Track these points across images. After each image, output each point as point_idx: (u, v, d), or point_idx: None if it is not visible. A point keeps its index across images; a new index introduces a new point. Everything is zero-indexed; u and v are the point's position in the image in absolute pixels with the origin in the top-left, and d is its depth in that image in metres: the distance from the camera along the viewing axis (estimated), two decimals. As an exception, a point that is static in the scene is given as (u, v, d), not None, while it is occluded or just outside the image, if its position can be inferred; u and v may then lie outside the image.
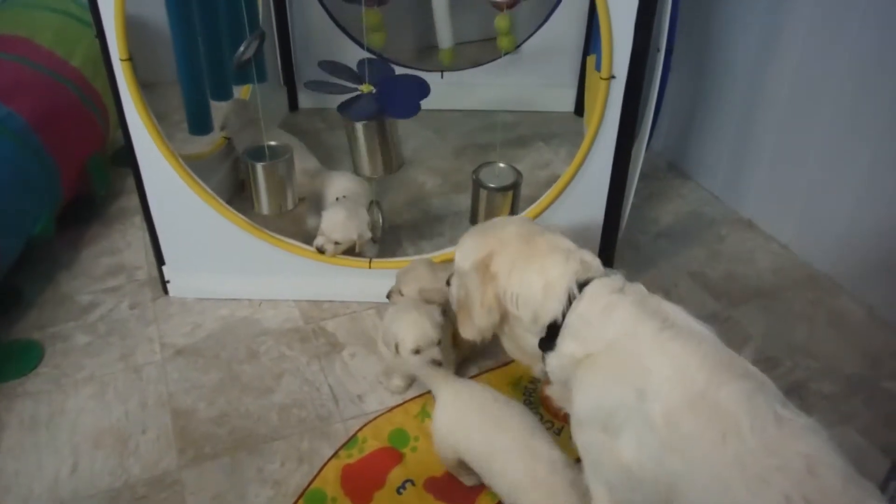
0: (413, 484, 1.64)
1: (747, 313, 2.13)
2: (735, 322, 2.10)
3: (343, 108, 1.97)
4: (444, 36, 3.21)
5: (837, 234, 2.20)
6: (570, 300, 1.32)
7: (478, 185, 2.05)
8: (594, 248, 2.03)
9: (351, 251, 2.08)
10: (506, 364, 1.94)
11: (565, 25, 2.99)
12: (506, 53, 2.97)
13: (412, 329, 1.68)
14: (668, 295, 1.34)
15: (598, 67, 1.84)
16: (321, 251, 2.03)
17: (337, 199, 2.24)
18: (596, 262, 1.39)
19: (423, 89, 1.94)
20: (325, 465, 1.69)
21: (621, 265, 2.24)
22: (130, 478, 1.67)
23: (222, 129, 2.50)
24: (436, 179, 2.73)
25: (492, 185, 2.02)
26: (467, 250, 1.49)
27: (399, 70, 2.11)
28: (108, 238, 2.43)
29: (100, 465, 1.70)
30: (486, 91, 3.08)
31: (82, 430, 1.78)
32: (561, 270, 1.35)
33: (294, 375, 1.92)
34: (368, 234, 2.12)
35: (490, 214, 2.02)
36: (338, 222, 2.04)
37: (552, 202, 1.98)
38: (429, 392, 1.83)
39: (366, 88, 1.99)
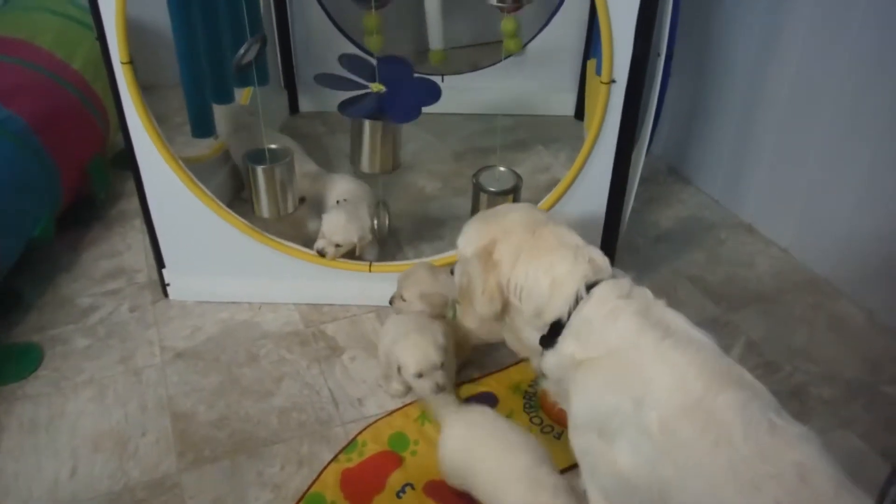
0: (413, 488, 1.64)
1: (747, 317, 2.13)
2: (735, 326, 2.10)
3: (343, 105, 1.97)
4: (435, 37, 3.22)
5: (837, 238, 2.20)
6: (576, 300, 1.31)
7: (478, 188, 2.05)
8: (594, 251, 2.02)
9: (351, 254, 2.08)
10: (506, 367, 1.94)
11: (565, 29, 2.99)
12: (507, 56, 2.97)
13: (414, 353, 1.67)
14: (668, 299, 1.33)
15: (598, 71, 1.84)
16: (322, 254, 2.04)
17: (338, 201, 2.24)
18: (605, 263, 1.38)
19: (433, 94, 1.95)
20: (325, 468, 1.69)
21: (621, 269, 2.23)
22: (130, 481, 1.66)
23: (216, 138, 2.51)
24: (436, 183, 2.73)
25: (492, 189, 2.02)
26: (470, 237, 1.49)
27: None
28: (108, 241, 2.43)
29: (99, 468, 1.69)
30: (487, 94, 3.08)
31: (82, 432, 1.78)
32: (569, 268, 1.34)
33: (294, 379, 1.92)
34: (369, 237, 2.13)
35: (490, 218, 2.02)
36: (339, 225, 2.04)
37: (552, 206, 1.98)
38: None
39: (376, 87, 1.99)
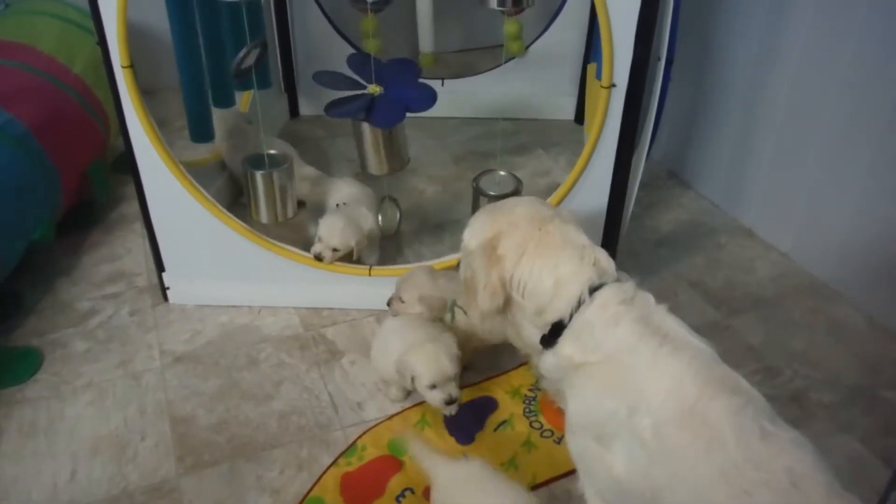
0: (413, 492, 1.64)
1: (747, 322, 2.13)
2: (735, 331, 2.09)
3: (330, 105, 1.97)
4: (426, 40, 3.23)
5: (837, 243, 2.20)
6: (579, 303, 1.31)
7: (478, 192, 2.06)
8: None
9: (348, 258, 2.08)
10: (506, 372, 1.94)
11: (566, 33, 3.00)
12: (509, 59, 2.98)
13: (429, 364, 1.66)
14: (668, 303, 1.33)
15: (598, 76, 1.85)
16: (319, 258, 2.03)
17: (337, 205, 2.24)
18: (610, 265, 1.37)
19: (427, 101, 1.95)
20: (325, 472, 1.68)
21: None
22: (129, 485, 1.66)
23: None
24: (436, 187, 2.74)
25: (492, 193, 2.02)
26: (475, 229, 1.48)
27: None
28: (108, 244, 2.43)
29: (98, 472, 1.69)
30: (487, 98, 3.08)
31: (81, 436, 1.78)
32: (574, 269, 1.34)
33: (293, 383, 1.92)
34: (365, 242, 2.13)
35: (490, 222, 2.02)
36: (336, 229, 2.04)
37: (552, 210, 1.98)
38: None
39: (373, 90, 1.99)
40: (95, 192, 2.45)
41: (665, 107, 2.04)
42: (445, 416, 1.81)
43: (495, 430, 1.79)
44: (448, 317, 1.85)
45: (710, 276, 2.32)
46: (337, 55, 2.89)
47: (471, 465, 1.53)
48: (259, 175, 2.03)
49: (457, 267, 1.63)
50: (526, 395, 1.88)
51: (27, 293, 2.19)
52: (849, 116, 2.08)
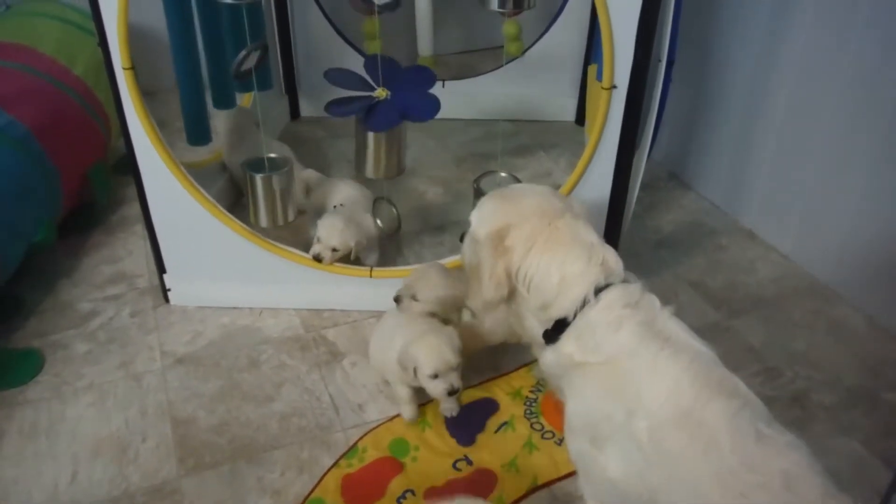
0: (413, 494, 1.64)
1: (748, 323, 2.13)
2: (735, 332, 2.09)
3: (331, 104, 1.96)
4: (425, 44, 3.23)
5: (838, 244, 2.20)
6: (583, 302, 1.31)
7: (479, 194, 2.05)
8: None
9: (347, 259, 2.08)
10: (507, 373, 1.94)
11: (566, 35, 3.00)
12: (509, 60, 2.98)
13: (430, 354, 1.66)
14: (673, 307, 1.32)
15: (599, 77, 1.85)
16: (318, 259, 2.03)
17: (335, 206, 2.24)
18: (618, 266, 1.36)
19: (428, 110, 1.95)
20: (326, 474, 1.68)
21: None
22: (130, 486, 1.66)
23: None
24: (436, 188, 2.74)
25: (493, 195, 2.02)
26: (484, 216, 1.46)
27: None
28: (109, 246, 2.43)
29: (99, 473, 1.69)
30: (487, 100, 3.08)
31: (82, 438, 1.78)
32: (581, 269, 1.33)
33: (294, 384, 1.92)
34: (365, 242, 2.13)
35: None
36: (335, 229, 2.04)
37: (553, 211, 1.98)
38: (430, 402, 1.83)
39: (381, 93, 1.99)
40: (96, 193, 2.45)
41: (666, 108, 2.04)
42: (446, 418, 1.81)
43: (496, 431, 1.79)
44: (465, 316, 1.85)
45: (710, 277, 2.32)
46: (337, 57, 2.91)
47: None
48: (259, 178, 2.02)
49: (461, 239, 1.61)
50: (527, 397, 1.88)
51: (28, 295, 2.19)
52: (849, 118, 2.08)
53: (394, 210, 2.27)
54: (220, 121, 2.46)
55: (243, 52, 2.14)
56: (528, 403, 1.87)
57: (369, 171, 2.08)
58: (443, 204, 2.65)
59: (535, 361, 1.83)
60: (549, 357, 1.36)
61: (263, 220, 2.09)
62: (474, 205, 2.07)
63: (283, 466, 1.70)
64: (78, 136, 2.37)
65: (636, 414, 1.18)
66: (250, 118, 2.52)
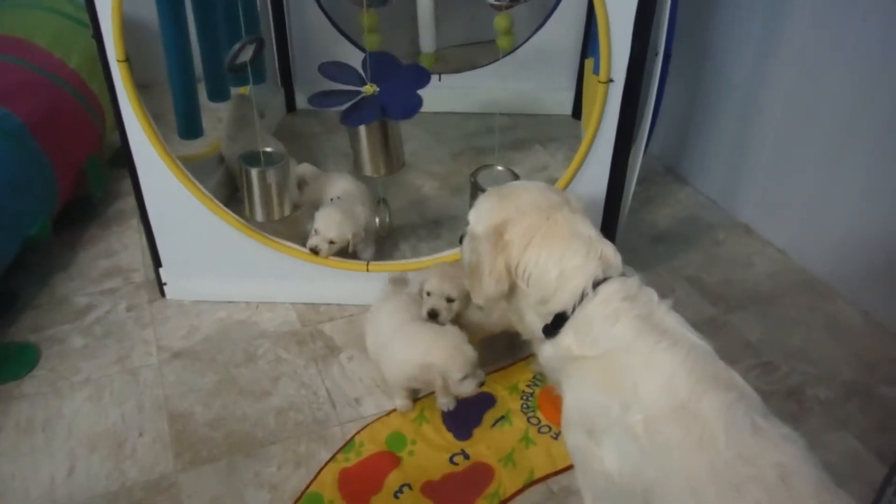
0: (410, 488, 1.64)
1: (744, 318, 2.13)
2: (732, 327, 2.10)
3: (345, 116, 1.95)
4: (427, 41, 3.21)
5: (834, 240, 2.21)
6: (582, 296, 1.31)
7: (476, 188, 2.05)
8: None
9: (343, 251, 2.08)
10: (504, 368, 1.94)
11: (563, 28, 2.99)
12: (505, 54, 2.97)
13: (458, 359, 1.66)
14: (671, 300, 1.32)
15: (596, 70, 1.84)
16: (315, 252, 2.03)
17: (332, 199, 2.24)
18: (616, 260, 1.36)
19: (423, 78, 1.93)
20: (323, 468, 1.68)
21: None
22: (127, 481, 1.66)
23: (220, 121, 2.55)
24: (433, 182, 2.73)
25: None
26: (482, 213, 1.46)
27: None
28: (104, 240, 2.43)
29: (96, 468, 1.69)
30: (484, 94, 3.07)
31: (78, 433, 1.77)
32: (579, 263, 1.33)
33: (291, 379, 1.92)
34: (363, 234, 2.13)
35: (488, 218, 2.02)
36: (333, 221, 2.04)
37: (550, 206, 1.97)
38: (426, 396, 1.83)
39: (369, 89, 1.98)
40: (92, 187, 2.44)
41: (663, 102, 2.04)
42: (443, 412, 1.81)
43: (493, 425, 1.80)
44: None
45: (707, 272, 2.32)
46: (333, 50, 2.90)
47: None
48: (254, 172, 2.02)
49: (459, 240, 1.61)
50: (524, 392, 1.89)
51: (24, 289, 2.19)
52: (847, 113, 2.08)
53: (387, 215, 2.27)
54: (228, 107, 2.47)
55: (237, 45, 2.13)
56: (524, 398, 1.87)
57: (368, 169, 2.07)
58: (439, 198, 2.64)
59: (532, 356, 1.83)
60: (548, 351, 1.37)
61: (259, 215, 2.09)
62: (471, 198, 2.09)
63: (280, 461, 1.70)
64: (73, 130, 2.36)
65: (632, 407, 1.18)
66: (251, 107, 2.52)
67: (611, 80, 1.78)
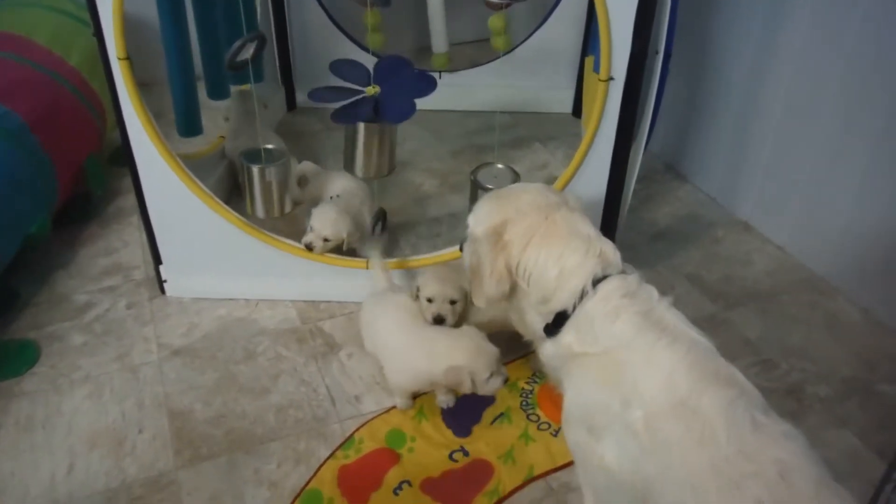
0: (410, 485, 1.64)
1: (744, 315, 2.13)
2: (731, 324, 2.10)
3: (336, 113, 1.95)
4: (439, 41, 3.21)
5: (834, 237, 2.21)
6: (582, 295, 1.31)
7: (476, 186, 2.05)
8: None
9: (338, 249, 2.08)
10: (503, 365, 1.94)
11: (563, 27, 2.99)
12: (505, 53, 2.97)
13: (481, 358, 1.65)
14: (671, 297, 1.33)
15: (596, 69, 1.84)
16: (310, 248, 2.03)
17: (331, 197, 2.24)
18: (616, 257, 1.37)
19: (428, 85, 1.93)
20: (322, 465, 1.69)
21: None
22: (127, 478, 1.66)
23: (226, 120, 2.56)
24: (433, 180, 2.73)
25: (490, 187, 2.02)
26: (482, 216, 1.47)
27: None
28: (104, 238, 2.43)
29: (96, 465, 1.69)
30: (484, 92, 3.07)
31: (78, 430, 1.78)
32: (578, 261, 1.33)
33: (291, 376, 1.92)
34: (358, 234, 2.13)
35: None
36: (328, 219, 2.04)
37: (550, 204, 1.97)
38: (425, 393, 1.83)
39: (371, 90, 1.98)
40: (92, 185, 2.44)
41: (663, 100, 2.04)
42: (443, 409, 1.81)
43: (492, 422, 1.80)
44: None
45: (707, 269, 2.32)
46: (334, 48, 2.90)
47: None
48: (255, 169, 2.02)
49: (460, 247, 1.61)
50: (523, 389, 1.89)
51: (24, 287, 2.19)
52: (846, 111, 2.08)
53: (379, 227, 2.26)
54: (233, 102, 2.48)
55: (238, 43, 2.13)
56: (524, 395, 1.87)
57: (359, 170, 2.07)
58: (439, 196, 2.65)
59: (531, 353, 1.83)
60: (549, 350, 1.37)
61: (259, 211, 2.09)
62: (471, 196, 2.09)
63: (279, 458, 1.71)
64: (73, 128, 2.36)
65: (632, 403, 1.18)
66: (254, 103, 2.53)
67: (611, 79, 1.78)
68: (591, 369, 1.28)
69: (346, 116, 1.94)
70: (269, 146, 2.10)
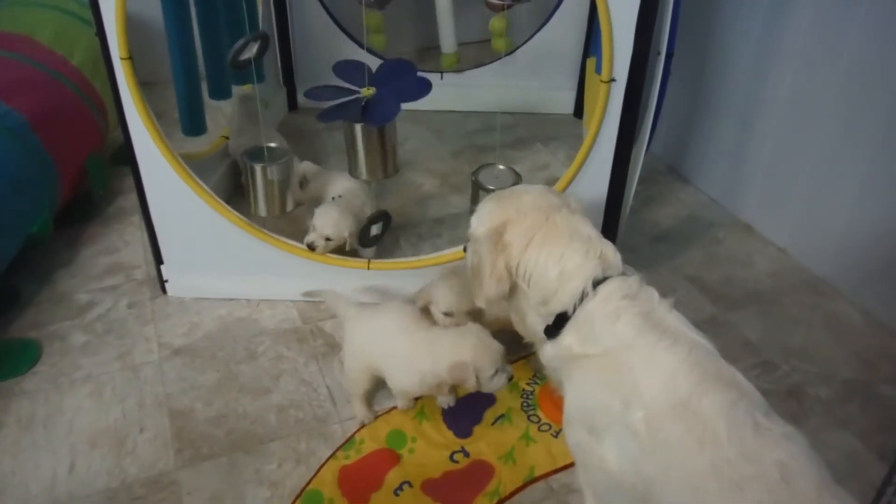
0: (410, 486, 1.64)
1: (744, 317, 2.13)
2: (732, 326, 2.10)
3: (323, 113, 1.94)
4: (447, 40, 3.21)
5: (835, 238, 2.21)
6: (582, 296, 1.31)
7: (477, 186, 2.06)
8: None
9: (340, 249, 2.08)
10: (504, 366, 1.94)
11: (565, 28, 2.99)
12: (506, 54, 2.98)
13: (486, 354, 1.64)
14: (672, 299, 1.33)
15: (598, 70, 1.84)
16: (312, 248, 2.03)
17: (333, 198, 2.24)
18: (616, 259, 1.37)
19: (421, 91, 1.93)
20: (323, 465, 1.69)
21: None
22: (127, 478, 1.66)
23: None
24: (434, 181, 2.73)
25: (491, 187, 2.02)
26: (483, 216, 1.48)
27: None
28: (106, 237, 2.43)
29: (97, 464, 1.69)
30: (486, 92, 3.08)
31: (79, 429, 1.78)
32: (579, 263, 1.34)
33: (292, 376, 1.92)
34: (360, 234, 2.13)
35: (489, 216, 2.02)
36: (330, 219, 2.04)
37: (551, 204, 1.97)
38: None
39: (367, 92, 1.98)
40: (93, 184, 2.45)
41: (664, 101, 2.04)
42: (443, 410, 1.81)
43: (493, 423, 1.80)
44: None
45: (708, 270, 2.32)
46: (335, 48, 2.90)
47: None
48: (258, 168, 2.02)
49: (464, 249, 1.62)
50: (524, 390, 1.89)
51: (25, 286, 2.19)
52: (848, 113, 2.08)
53: (380, 228, 2.26)
54: (236, 103, 2.48)
55: (240, 42, 2.14)
56: (524, 396, 1.87)
57: (362, 172, 2.08)
58: (440, 196, 2.65)
59: (532, 354, 1.83)
60: (549, 351, 1.37)
61: (262, 210, 2.10)
62: (472, 197, 2.09)
63: (280, 458, 1.71)
64: (75, 127, 2.36)
65: (633, 405, 1.18)
66: (257, 103, 2.54)
67: (613, 80, 1.78)
68: (591, 370, 1.28)
69: (333, 116, 1.94)
70: (272, 144, 2.10)
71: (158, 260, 2.12)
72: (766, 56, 2.31)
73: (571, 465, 1.66)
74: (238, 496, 1.62)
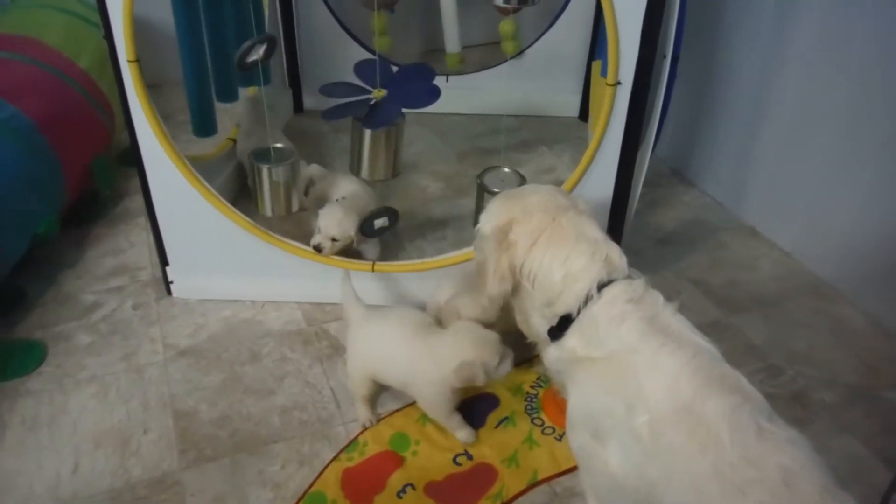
0: (413, 488, 1.64)
1: (749, 321, 2.13)
2: (737, 330, 2.09)
3: (327, 111, 1.95)
4: (452, 40, 3.21)
5: (840, 242, 2.20)
6: (587, 299, 1.31)
7: (482, 189, 2.06)
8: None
9: (345, 251, 2.08)
10: (507, 369, 1.94)
11: (570, 31, 2.99)
12: (512, 57, 2.98)
13: (487, 347, 1.65)
14: (677, 303, 1.32)
15: (603, 73, 1.84)
16: (318, 250, 2.03)
17: (337, 200, 2.25)
18: (622, 262, 1.37)
19: (429, 98, 1.94)
20: (326, 467, 1.69)
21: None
22: (131, 478, 1.67)
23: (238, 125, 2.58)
24: (439, 183, 2.74)
25: (496, 190, 2.02)
26: (490, 214, 1.48)
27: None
28: (112, 238, 2.44)
29: (101, 465, 1.70)
30: (491, 95, 3.08)
31: (84, 430, 1.78)
32: (584, 265, 1.34)
33: (296, 378, 1.92)
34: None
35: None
36: (335, 219, 2.04)
37: (556, 208, 1.97)
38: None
39: (378, 93, 1.98)
40: (100, 185, 2.46)
41: (670, 105, 2.04)
42: (447, 413, 1.81)
43: (497, 426, 1.80)
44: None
45: (712, 274, 2.32)
46: (341, 51, 2.90)
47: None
48: (265, 169, 2.03)
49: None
50: (528, 393, 1.89)
51: (31, 286, 2.20)
52: (853, 117, 2.08)
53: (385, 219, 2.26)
54: (244, 105, 2.48)
55: (247, 44, 2.15)
56: (528, 399, 1.87)
57: (365, 172, 2.08)
58: (445, 199, 2.65)
59: (536, 357, 1.83)
60: (553, 354, 1.37)
61: (268, 210, 2.10)
62: (477, 199, 2.09)
63: (283, 460, 1.71)
64: (82, 129, 2.37)
65: (637, 408, 1.18)
66: (265, 105, 2.55)
67: (618, 83, 1.78)
68: (595, 373, 1.28)
69: (338, 114, 1.94)
70: (279, 145, 2.11)
71: (164, 261, 2.13)
72: (772, 60, 2.31)
73: (575, 468, 1.65)
74: (241, 497, 1.63)
